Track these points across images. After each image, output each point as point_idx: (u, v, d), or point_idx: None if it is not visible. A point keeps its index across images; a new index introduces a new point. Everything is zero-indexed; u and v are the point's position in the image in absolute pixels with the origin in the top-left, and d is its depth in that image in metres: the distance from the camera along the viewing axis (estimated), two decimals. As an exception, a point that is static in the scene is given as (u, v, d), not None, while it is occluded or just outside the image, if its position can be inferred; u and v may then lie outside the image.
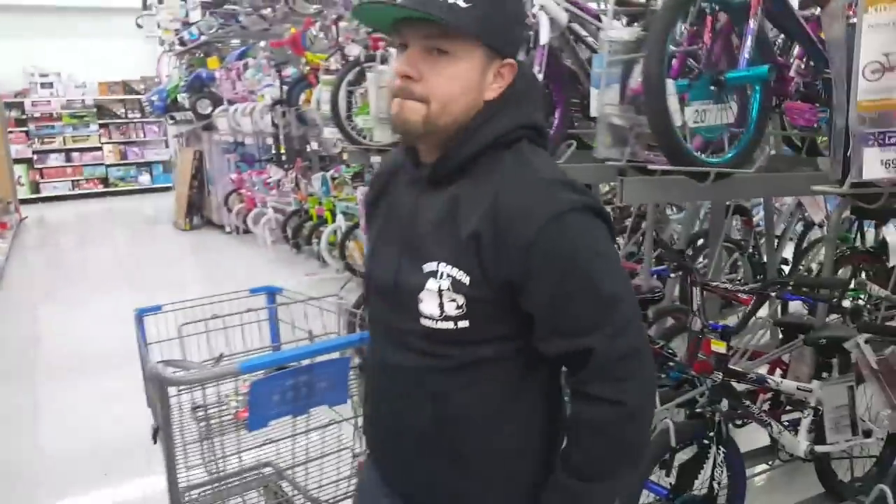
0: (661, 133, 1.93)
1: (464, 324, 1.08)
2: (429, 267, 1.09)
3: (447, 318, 1.08)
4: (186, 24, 7.87)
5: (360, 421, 2.13)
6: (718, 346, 2.32)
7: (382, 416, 1.24)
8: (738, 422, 2.80)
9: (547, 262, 1.03)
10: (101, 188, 13.07)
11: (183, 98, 8.51)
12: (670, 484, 2.23)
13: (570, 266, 1.04)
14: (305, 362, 1.89)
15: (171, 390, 1.76)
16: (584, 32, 2.78)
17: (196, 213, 9.45)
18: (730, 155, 2.11)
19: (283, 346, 2.50)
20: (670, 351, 3.25)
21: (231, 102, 7.60)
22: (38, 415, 3.94)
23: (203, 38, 8.21)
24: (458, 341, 1.10)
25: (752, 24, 2.06)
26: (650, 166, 2.03)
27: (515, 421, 1.14)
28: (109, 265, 7.83)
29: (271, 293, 2.58)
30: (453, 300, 1.07)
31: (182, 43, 8.94)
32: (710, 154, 2.19)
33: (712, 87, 2.03)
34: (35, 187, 12.64)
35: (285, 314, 2.51)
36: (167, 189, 12.42)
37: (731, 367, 2.29)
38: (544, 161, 1.13)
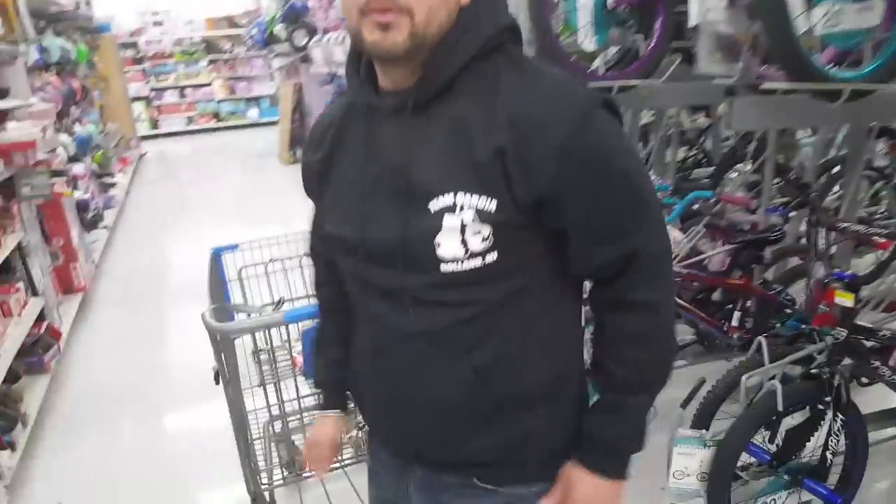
0: (780, 42, 1.59)
1: (492, 257, 0.96)
2: (441, 203, 0.95)
3: (473, 255, 0.95)
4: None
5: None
6: (844, 299, 1.99)
7: (397, 394, 1.09)
8: (864, 380, 2.46)
9: (584, 167, 0.93)
10: (213, 123, 13.51)
11: (280, 30, 8.46)
12: (776, 447, 1.98)
13: (608, 167, 0.95)
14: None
15: (218, 337, 1.69)
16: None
17: (299, 145, 9.57)
18: (870, 68, 1.73)
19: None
20: (788, 297, 2.91)
21: (325, 31, 7.47)
22: (157, 337, 4.29)
23: (297, -35, 8.06)
24: (488, 278, 0.98)
25: None
26: (765, 84, 1.69)
27: (560, 346, 1.09)
28: (219, 198, 8.11)
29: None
30: (478, 232, 0.94)
31: (279, -28, 8.84)
32: (847, 67, 1.82)
33: (849, -17, 1.65)
34: (154, 123, 13.24)
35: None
36: (275, 123, 12.67)
37: (859, 322, 1.96)
38: (539, 61, 1.02)
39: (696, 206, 2.95)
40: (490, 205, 0.93)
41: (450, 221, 0.94)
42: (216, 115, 13.52)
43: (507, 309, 1.01)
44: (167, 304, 4.80)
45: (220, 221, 6.85)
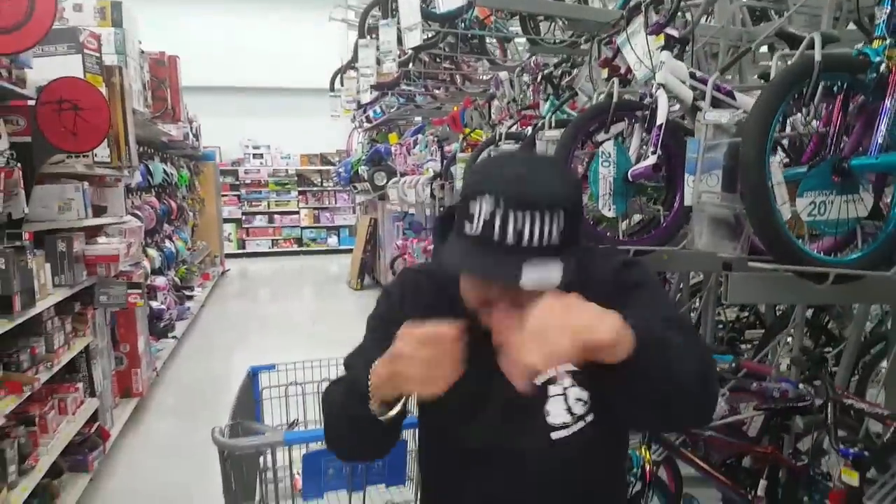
0: (763, 227, 1.70)
1: (590, 417, 1.12)
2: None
3: (579, 419, 1.12)
4: (361, 106, 8.52)
5: (419, 505, 2.07)
6: (850, 477, 1.96)
7: None
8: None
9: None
10: (295, 247, 14.32)
11: (363, 170, 9.13)
12: None
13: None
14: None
15: (225, 453, 1.82)
16: (713, 112, 2.59)
17: (368, 273, 10.01)
18: (857, 255, 1.81)
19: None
20: (819, 471, 2.80)
21: (403, 175, 8.02)
22: (202, 449, 4.26)
23: (385, 116, 8.81)
24: (589, 438, 1.13)
25: (890, 103, 1.78)
26: (752, 264, 1.79)
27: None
28: (289, 317, 8.48)
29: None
30: (579, 398, 1.11)
31: (368, 120, 9.65)
32: (849, 251, 1.90)
33: (833, 177, 1.77)
34: (241, 244, 14.15)
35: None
36: (350, 251, 13.31)
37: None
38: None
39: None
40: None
41: (553, 389, 1.11)
42: (298, 240, 14.35)
43: (605, 458, 1.20)
44: (219, 418, 4.93)
45: (286, 338, 7.13)
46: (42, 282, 3.19)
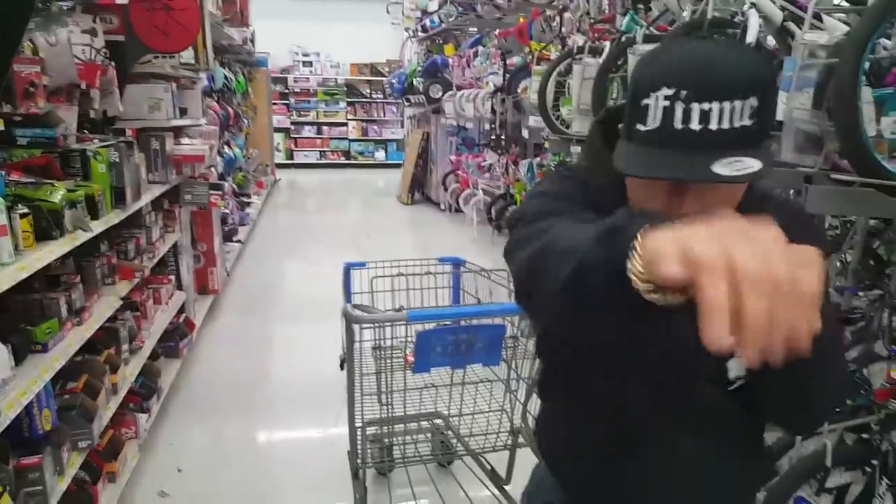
0: (849, 142, 1.81)
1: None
2: None
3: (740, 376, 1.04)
4: (426, 14, 8.43)
5: (513, 384, 2.31)
6: (901, 375, 2.12)
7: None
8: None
9: None
10: (342, 160, 14.49)
11: (418, 82, 9.13)
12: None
13: None
14: (464, 322, 2.11)
15: (355, 326, 2.06)
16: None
17: (418, 189, 10.16)
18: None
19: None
20: (859, 377, 2.98)
21: (459, 88, 8.03)
22: (271, 342, 4.85)
23: (443, 25, 8.73)
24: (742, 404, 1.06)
25: None
26: (833, 175, 1.91)
27: None
28: (339, 228, 8.76)
29: (456, 264, 2.89)
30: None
31: (424, 30, 9.57)
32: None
33: (924, 97, 1.86)
34: (290, 154, 14.35)
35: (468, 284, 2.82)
36: (397, 165, 13.45)
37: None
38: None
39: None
40: None
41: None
42: (346, 153, 14.50)
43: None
44: (283, 315, 5.33)
45: (337, 248, 7.42)
46: (142, 177, 3.42)
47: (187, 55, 4.25)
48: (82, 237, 2.46)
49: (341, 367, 2.23)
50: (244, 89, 9.49)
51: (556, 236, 0.88)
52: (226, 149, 8.02)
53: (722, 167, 0.85)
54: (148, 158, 3.65)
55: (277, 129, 13.70)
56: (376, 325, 2.02)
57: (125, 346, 3.12)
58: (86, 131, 3.18)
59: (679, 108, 0.86)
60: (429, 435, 3.00)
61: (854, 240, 3.12)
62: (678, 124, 0.86)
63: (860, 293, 2.63)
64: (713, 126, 0.85)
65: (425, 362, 1.98)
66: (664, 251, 0.61)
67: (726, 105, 0.85)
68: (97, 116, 3.24)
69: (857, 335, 3.03)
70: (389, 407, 2.17)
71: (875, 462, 1.97)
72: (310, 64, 14.18)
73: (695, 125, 0.86)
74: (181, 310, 4.28)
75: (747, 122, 0.86)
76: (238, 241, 6.95)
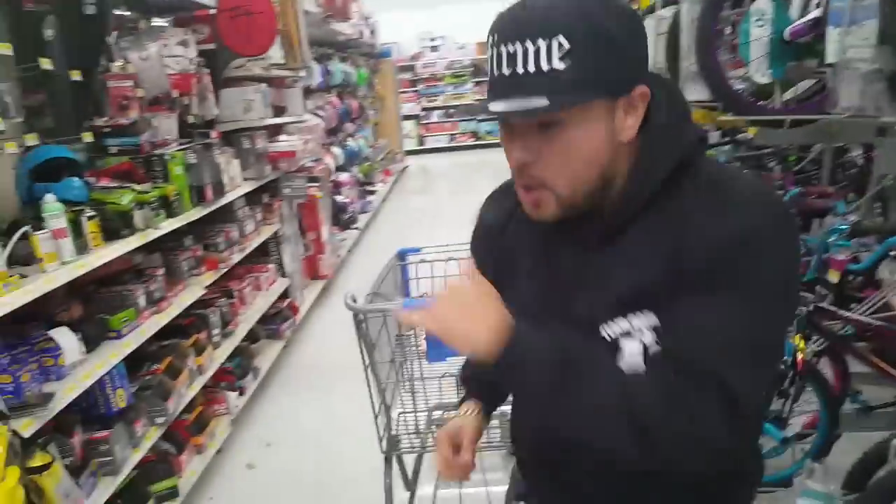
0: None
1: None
2: (614, 329, 0.94)
3: None
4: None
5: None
6: None
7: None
8: None
9: None
10: (472, 141, 14.51)
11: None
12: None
13: None
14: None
15: (359, 316, 2.05)
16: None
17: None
18: None
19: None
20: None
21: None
22: None
23: None
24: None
25: None
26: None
27: None
28: (467, 210, 8.75)
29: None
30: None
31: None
32: None
33: None
34: (420, 140, 14.61)
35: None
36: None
37: None
38: (720, 169, 0.93)
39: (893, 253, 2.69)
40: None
41: (630, 346, 0.92)
42: (475, 134, 14.50)
43: None
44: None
45: (462, 230, 7.45)
46: (231, 175, 3.61)
47: (277, 55, 4.42)
48: (152, 234, 2.64)
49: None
50: (366, 81, 9.74)
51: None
52: (349, 140, 8.31)
53: (499, 104, 0.87)
54: (241, 157, 3.85)
55: (407, 117, 13.97)
56: (371, 315, 2.00)
57: (216, 331, 3.33)
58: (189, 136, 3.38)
59: (493, 54, 0.88)
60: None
61: None
62: (495, 71, 0.88)
63: None
64: (520, 69, 0.85)
65: (438, 353, 1.93)
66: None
67: (529, 46, 0.84)
68: (198, 121, 3.45)
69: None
70: (412, 395, 2.14)
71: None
72: (437, 48, 14.28)
73: (505, 69, 0.86)
74: (285, 295, 4.49)
75: (558, 64, 0.83)
76: (356, 229, 7.19)
